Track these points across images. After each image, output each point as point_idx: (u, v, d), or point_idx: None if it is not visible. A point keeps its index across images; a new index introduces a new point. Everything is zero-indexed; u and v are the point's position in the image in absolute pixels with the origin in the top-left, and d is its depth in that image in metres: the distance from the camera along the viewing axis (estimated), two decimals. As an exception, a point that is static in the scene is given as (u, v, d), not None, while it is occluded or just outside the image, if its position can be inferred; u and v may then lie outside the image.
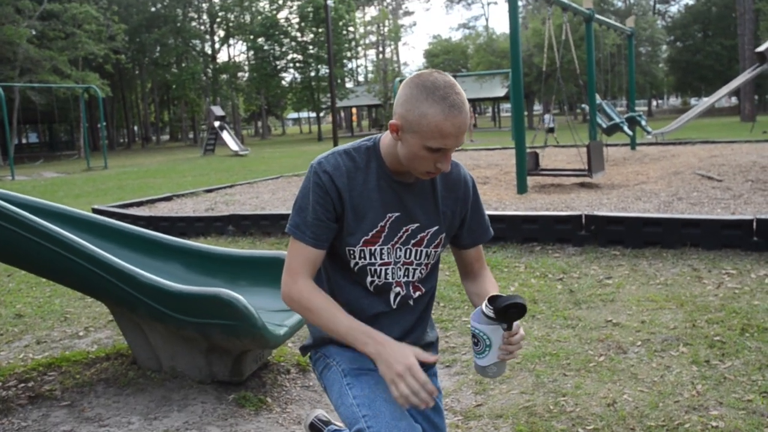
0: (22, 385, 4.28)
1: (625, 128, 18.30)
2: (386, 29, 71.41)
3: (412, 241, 1.99)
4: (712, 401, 3.59)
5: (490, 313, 1.79)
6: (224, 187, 15.21)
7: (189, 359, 4.16)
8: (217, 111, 38.45)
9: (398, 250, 1.98)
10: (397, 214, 1.94)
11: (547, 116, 30.99)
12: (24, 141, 65.31)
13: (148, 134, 68.12)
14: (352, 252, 1.95)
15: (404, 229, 1.96)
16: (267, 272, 4.39)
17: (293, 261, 1.92)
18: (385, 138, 1.95)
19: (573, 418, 3.51)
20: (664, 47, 64.15)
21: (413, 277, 2.04)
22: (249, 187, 15.24)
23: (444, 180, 2.07)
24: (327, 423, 2.82)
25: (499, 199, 10.82)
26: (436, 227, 2.02)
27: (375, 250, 1.95)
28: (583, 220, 7.49)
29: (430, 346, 2.20)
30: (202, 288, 3.88)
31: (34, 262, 3.98)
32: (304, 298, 1.89)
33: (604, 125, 18.25)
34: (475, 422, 3.57)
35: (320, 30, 57.32)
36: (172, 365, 4.23)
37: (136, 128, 72.52)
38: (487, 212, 7.70)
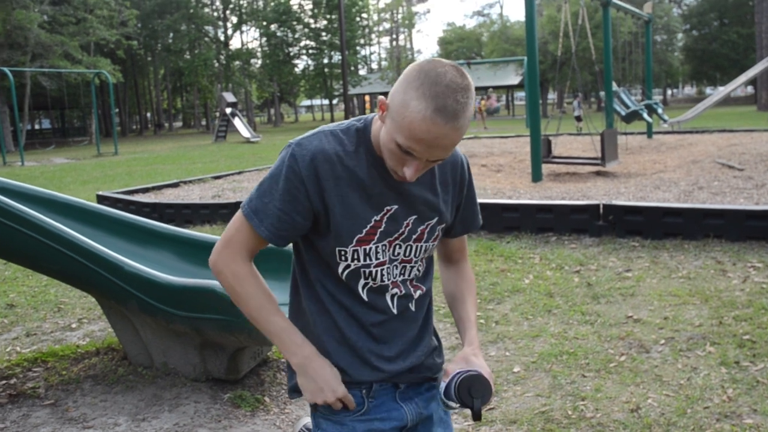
0: (4, 382, 4.04)
1: (645, 115, 17.89)
2: (400, 16, 70.83)
3: (414, 237, 1.71)
4: (745, 408, 3.30)
5: (454, 403, 1.62)
6: (233, 174, 14.96)
7: (182, 355, 3.91)
8: (229, 97, 38.11)
9: (397, 247, 1.70)
10: (395, 206, 1.66)
11: (575, 103, 30.46)
12: (37, 127, 65.45)
13: (161, 121, 67.93)
14: (343, 254, 1.65)
15: (405, 223, 1.68)
16: (264, 263, 4.10)
17: (236, 238, 1.66)
18: (377, 119, 1.65)
19: (593, 425, 3.23)
20: (680, 36, 63.31)
21: (410, 275, 1.76)
22: (258, 174, 14.98)
23: (440, 163, 1.78)
24: None
25: (513, 188, 10.52)
26: (435, 218, 1.74)
27: (370, 249, 1.66)
28: (601, 210, 7.18)
29: (435, 351, 1.90)
30: (194, 280, 3.61)
31: (14, 251, 3.73)
32: (239, 280, 1.66)
33: (623, 113, 17.84)
34: (486, 428, 3.30)
35: (333, 16, 57.06)
36: (164, 361, 3.98)
37: (148, 115, 72.43)
38: (501, 201, 7.35)
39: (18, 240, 3.55)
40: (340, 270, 1.68)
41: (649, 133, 20.14)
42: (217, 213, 9.52)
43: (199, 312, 3.54)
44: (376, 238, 1.66)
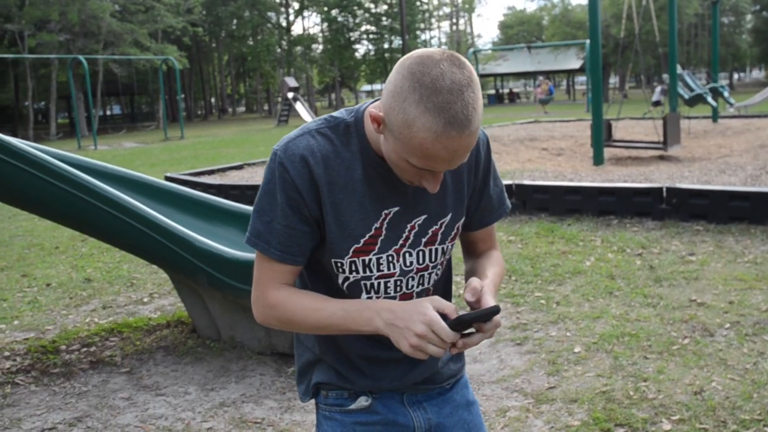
0: (85, 349, 4.26)
1: (709, 99, 17.43)
2: (460, 0, 70.29)
3: (423, 240, 1.50)
4: (813, 392, 3.25)
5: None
6: (293, 156, 15.15)
7: (248, 329, 4.03)
8: (291, 82, 38.39)
9: (407, 255, 1.49)
10: (395, 209, 1.45)
11: (658, 88, 29.46)
12: (108, 113, 67.17)
13: (225, 106, 69.09)
14: (340, 265, 1.47)
15: (409, 226, 1.48)
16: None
17: (258, 276, 1.48)
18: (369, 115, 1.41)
19: (655, 406, 3.23)
20: (749, 17, 61.34)
21: (429, 283, 1.57)
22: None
23: None
24: None
25: (575, 171, 10.42)
26: (449, 215, 1.52)
27: (370, 260, 1.47)
28: (664, 193, 7.07)
29: (453, 357, 1.67)
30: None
31: (92, 225, 3.89)
32: (280, 310, 1.45)
33: (686, 96, 17.44)
34: (547, 406, 3.33)
35: (393, 1, 57.07)
36: (231, 335, 4.11)
37: (213, 100, 73.64)
38: (562, 183, 7.26)
39: (96, 215, 3.70)
40: (340, 281, 1.51)
41: (714, 117, 19.64)
42: (279, 194, 9.68)
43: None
44: (377, 248, 1.47)
